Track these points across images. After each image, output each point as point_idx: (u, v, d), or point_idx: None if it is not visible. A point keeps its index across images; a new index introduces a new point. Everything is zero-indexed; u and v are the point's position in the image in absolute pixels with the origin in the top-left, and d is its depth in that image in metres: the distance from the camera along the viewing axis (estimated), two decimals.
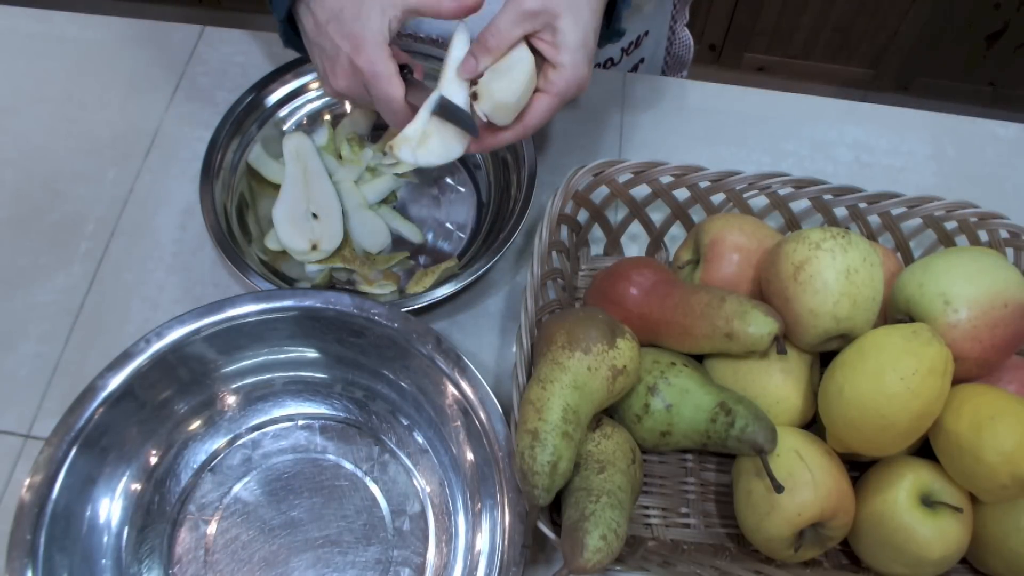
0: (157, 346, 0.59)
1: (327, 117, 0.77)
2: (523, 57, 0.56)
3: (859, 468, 0.59)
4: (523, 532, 0.54)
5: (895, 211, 0.66)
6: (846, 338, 0.56)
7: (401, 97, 0.58)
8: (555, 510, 0.54)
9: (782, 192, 0.66)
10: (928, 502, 0.54)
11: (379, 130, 0.78)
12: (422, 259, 0.72)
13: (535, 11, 0.55)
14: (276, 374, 0.64)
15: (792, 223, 0.69)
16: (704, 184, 0.67)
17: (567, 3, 0.55)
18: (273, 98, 0.75)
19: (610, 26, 0.64)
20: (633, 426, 0.58)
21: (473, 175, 0.76)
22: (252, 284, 0.64)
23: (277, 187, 0.72)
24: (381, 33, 0.56)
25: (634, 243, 0.73)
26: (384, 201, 0.74)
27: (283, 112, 0.76)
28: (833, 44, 1.78)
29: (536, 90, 0.57)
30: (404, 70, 0.60)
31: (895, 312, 0.58)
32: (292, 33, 0.65)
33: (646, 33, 0.86)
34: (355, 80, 0.58)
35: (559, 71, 0.56)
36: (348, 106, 0.78)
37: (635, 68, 0.89)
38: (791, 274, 0.56)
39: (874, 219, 0.67)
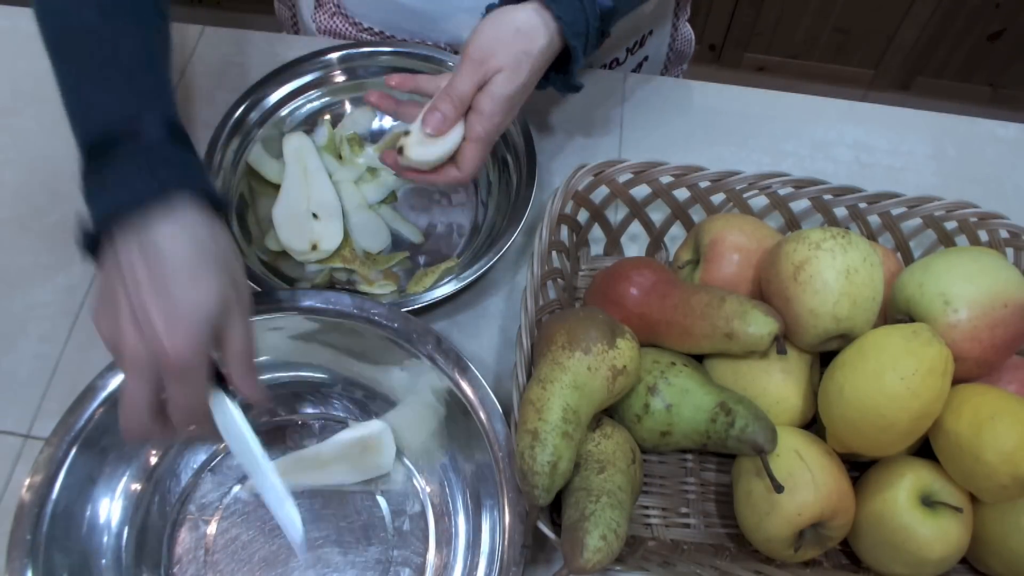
0: None
1: (327, 117, 0.77)
2: (454, 137, 0.61)
3: (859, 468, 0.59)
4: (523, 532, 0.54)
5: (895, 211, 0.66)
6: (846, 338, 0.56)
7: (205, 407, 0.48)
8: (555, 510, 0.54)
9: (782, 192, 0.66)
10: (928, 502, 0.54)
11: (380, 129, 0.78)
12: (422, 259, 0.72)
13: (482, 67, 0.59)
14: (276, 374, 0.64)
15: (792, 223, 0.69)
16: (704, 184, 0.67)
17: (510, 61, 0.59)
18: (273, 98, 0.75)
19: (568, 80, 0.66)
20: (633, 426, 0.58)
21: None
22: (252, 284, 0.64)
23: (277, 187, 0.72)
24: (208, 321, 0.45)
25: (634, 243, 0.73)
26: (384, 201, 0.74)
27: (283, 112, 0.76)
28: (833, 44, 1.78)
29: (464, 139, 0.61)
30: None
31: (895, 312, 0.58)
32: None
33: (650, 32, 0.86)
34: (151, 360, 0.45)
35: (479, 116, 0.60)
36: (348, 106, 0.78)
37: (639, 65, 0.89)
38: (791, 274, 0.56)
39: (874, 219, 0.67)
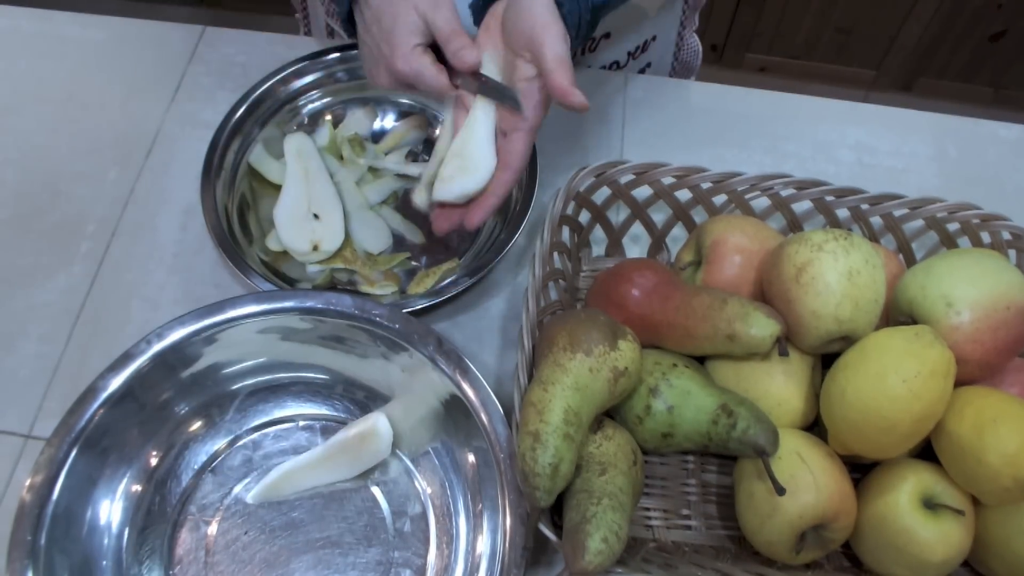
0: (158, 347, 0.59)
1: (328, 117, 0.77)
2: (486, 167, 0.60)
3: (861, 470, 0.59)
4: (524, 534, 0.54)
5: (897, 212, 0.66)
6: (848, 340, 0.56)
7: (447, 84, 0.61)
8: (556, 512, 0.54)
9: (784, 193, 0.66)
10: (930, 505, 0.54)
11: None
12: (423, 260, 0.72)
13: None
14: (277, 375, 0.64)
15: (794, 224, 0.68)
16: (706, 185, 0.66)
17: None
18: (274, 98, 0.75)
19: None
20: (634, 428, 0.57)
21: None
22: (253, 285, 0.64)
23: (278, 187, 0.72)
24: (412, 34, 0.60)
25: (636, 244, 0.73)
26: (385, 202, 0.74)
27: (284, 112, 0.76)
28: (835, 44, 1.78)
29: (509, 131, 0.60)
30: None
31: (897, 314, 0.58)
32: (353, 31, 0.67)
33: (653, 38, 0.85)
34: (397, 80, 0.63)
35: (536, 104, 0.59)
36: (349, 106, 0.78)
37: (642, 72, 0.89)
38: (793, 276, 0.56)
39: (876, 220, 0.67)
